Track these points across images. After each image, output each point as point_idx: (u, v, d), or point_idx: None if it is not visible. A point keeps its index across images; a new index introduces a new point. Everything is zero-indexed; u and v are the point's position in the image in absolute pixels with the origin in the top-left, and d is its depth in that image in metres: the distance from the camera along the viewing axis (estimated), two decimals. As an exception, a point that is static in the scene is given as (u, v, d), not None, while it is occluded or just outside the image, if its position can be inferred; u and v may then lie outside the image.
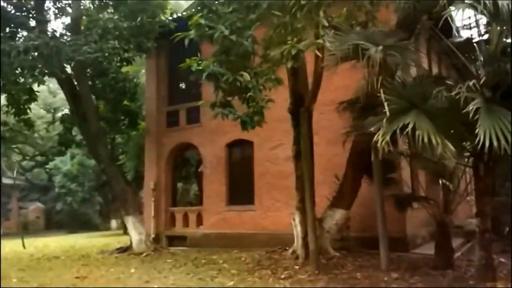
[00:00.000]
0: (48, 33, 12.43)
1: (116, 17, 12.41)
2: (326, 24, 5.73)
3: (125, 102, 15.47)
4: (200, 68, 7.20)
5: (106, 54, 11.26)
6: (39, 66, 10.93)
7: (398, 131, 5.40)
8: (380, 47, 5.91)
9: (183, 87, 16.33)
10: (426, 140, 5.03)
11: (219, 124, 14.48)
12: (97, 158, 13.01)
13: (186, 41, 7.26)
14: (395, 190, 10.60)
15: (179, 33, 7.38)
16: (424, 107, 5.66)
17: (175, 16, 14.55)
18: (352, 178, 9.81)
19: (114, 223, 35.07)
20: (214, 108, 7.77)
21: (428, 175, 11.25)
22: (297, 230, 10.16)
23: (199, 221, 15.17)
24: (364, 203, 11.08)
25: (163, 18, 13.70)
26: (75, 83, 13.12)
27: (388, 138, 5.32)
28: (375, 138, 5.47)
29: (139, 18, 12.88)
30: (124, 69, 15.43)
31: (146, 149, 16.17)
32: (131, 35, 12.62)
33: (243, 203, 13.94)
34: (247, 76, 7.12)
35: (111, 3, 13.87)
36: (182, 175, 19.61)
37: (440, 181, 8.64)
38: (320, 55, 7.22)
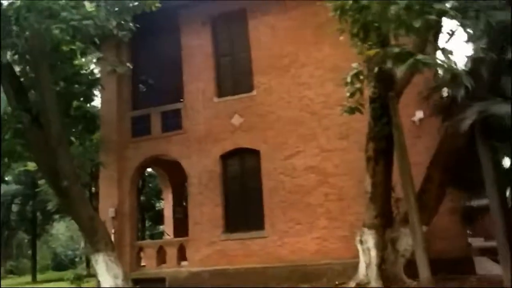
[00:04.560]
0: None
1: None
2: None
3: (77, 103, 11.62)
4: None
5: (96, 24, 7.75)
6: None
7: None
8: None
9: (156, 86, 13.00)
10: None
11: (209, 131, 11.68)
12: (52, 174, 8.96)
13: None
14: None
15: None
16: None
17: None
18: (438, 183, 7.82)
19: (-1, 267, 28.51)
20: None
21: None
22: (370, 256, 7.73)
23: (181, 257, 11.70)
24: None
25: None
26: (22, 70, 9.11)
27: None
28: None
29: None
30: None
31: (103, 165, 12.26)
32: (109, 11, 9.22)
33: (248, 229, 10.95)
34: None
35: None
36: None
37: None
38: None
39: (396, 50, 4.88)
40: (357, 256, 8.12)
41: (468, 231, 15.74)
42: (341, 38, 5.89)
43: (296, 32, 11.38)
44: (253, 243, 10.77)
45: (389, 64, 5.10)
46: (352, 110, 6.50)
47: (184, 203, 15.48)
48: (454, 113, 7.32)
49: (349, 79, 6.21)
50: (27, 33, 7.80)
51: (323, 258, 10.13)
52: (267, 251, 10.61)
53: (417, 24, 4.50)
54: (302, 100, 11.05)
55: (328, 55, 10.96)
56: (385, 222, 7.70)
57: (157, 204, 23.83)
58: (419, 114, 9.87)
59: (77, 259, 33.28)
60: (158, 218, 21.55)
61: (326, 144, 10.70)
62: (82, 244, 32.05)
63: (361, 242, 7.91)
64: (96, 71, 13.05)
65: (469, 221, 8.59)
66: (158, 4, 10.51)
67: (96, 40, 8.94)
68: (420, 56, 4.85)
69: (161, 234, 15.17)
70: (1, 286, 19.27)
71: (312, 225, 10.40)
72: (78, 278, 15.71)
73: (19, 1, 7.36)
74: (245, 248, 10.81)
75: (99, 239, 9.30)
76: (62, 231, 35.74)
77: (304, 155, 10.78)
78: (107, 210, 11.87)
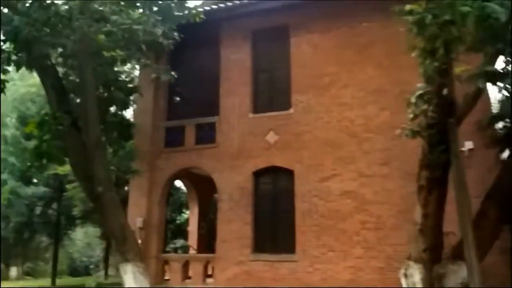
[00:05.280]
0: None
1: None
2: None
3: (113, 110, 11.56)
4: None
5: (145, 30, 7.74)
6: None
7: None
8: None
9: (191, 97, 12.91)
10: None
11: (243, 146, 11.41)
12: (87, 179, 8.85)
13: None
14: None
15: None
16: None
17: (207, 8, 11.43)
18: (494, 220, 7.28)
19: (14, 270, 29.36)
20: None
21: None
22: (415, 291, 7.21)
23: (207, 274, 11.35)
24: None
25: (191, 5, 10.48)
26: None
27: None
28: None
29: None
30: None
31: (134, 175, 12.09)
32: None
33: (278, 251, 10.54)
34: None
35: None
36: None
37: None
38: None
39: (491, 68, 4.45)
40: (392, 290, 7.64)
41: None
42: (413, 54, 5.53)
43: (339, 52, 11.11)
44: (283, 266, 10.33)
45: (480, 84, 4.71)
46: (413, 134, 6.10)
47: (209, 219, 15.20)
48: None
49: (413, 100, 5.84)
50: (76, 35, 7.79)
51: (356, 288, 9.60)
52: (296, 276, 10.14)
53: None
54: (341, 121, 10.70)
55: (372, 76, 10.65)
56: (434, 256, 7.17)
57: (178, 218, 23.57)
58: (469, 145, 9.36)
59: (91, 266, 33.17)
60: (178, 232, 21.25)
61: (366, 169, 10.26)
62: (98, 252, 32.07)
63: (406, 275, 7.39)
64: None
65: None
66: (202, 16, 10.48)
67: (143, 46, 8.87)
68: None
69: (186, 248, 14.81)
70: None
71: (346, 253, 9.90)
72: (100, 286, 15.54)
73: (71, 1, 7.35)
74: (273, 271, 10.37)
75: (129, 248, 9.03)
76: (80, 237, 35.80)
77: (341, 178, 10.36)
78: (135, 219, 11.66)
